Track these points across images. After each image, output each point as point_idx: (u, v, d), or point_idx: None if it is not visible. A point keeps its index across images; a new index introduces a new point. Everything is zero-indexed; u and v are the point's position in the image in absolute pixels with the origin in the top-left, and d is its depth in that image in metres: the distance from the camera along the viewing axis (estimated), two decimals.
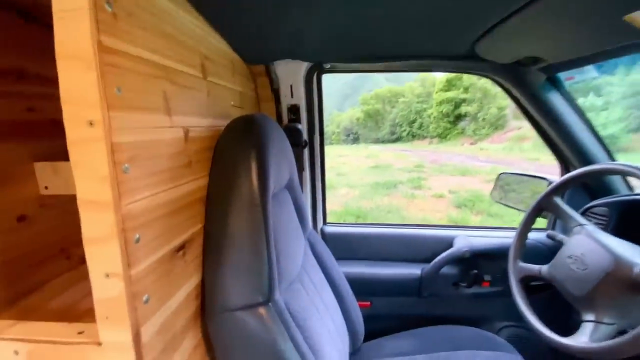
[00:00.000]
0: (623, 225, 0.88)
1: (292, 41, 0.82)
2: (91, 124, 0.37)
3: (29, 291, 0.62)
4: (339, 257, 1.24)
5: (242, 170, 0.60)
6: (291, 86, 1.00)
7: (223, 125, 0.67)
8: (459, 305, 1.19)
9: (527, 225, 0.91)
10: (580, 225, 0.79)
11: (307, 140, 1.07)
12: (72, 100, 0.36)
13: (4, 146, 0.56)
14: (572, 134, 0.96)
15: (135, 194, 0.42)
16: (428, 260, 1.16)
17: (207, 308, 0.59)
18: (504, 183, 1.39)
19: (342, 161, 15.43)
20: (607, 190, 1.00)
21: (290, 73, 0.97)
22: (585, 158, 0.97)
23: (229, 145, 0.63)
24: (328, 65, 0.97)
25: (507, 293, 0.99)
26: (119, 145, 0.39)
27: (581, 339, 0.64)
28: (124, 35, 0.40)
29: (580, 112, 0.96)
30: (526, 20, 0.62)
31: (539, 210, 0.90)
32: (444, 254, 1.13)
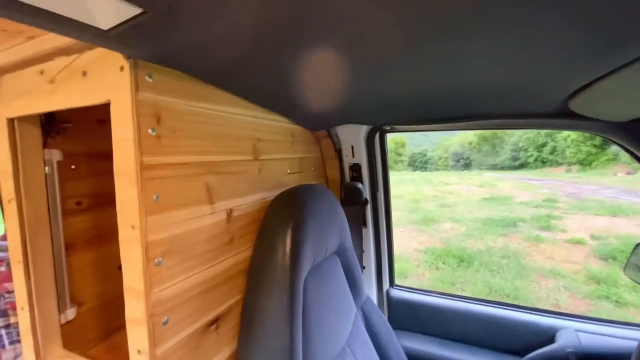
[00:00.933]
0: None
1: (350, 109, 0.83)
2: (133, 227, 0.45)
3: (120, 328, 0.79)
4: (403, 328, 1.12)
5: (278, 244, 0.62)
6: (352, 147, 1.00)
7: (274, 195, 0.71)
8: None
9: None
10: None
11: (366, 199, 1.03)
12: (122, 208, 0.46)
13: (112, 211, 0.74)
14: None
15: (167, 282, 0.49)
16: (517, 353, 0.93)
17: None
18: None
19: (447, 190, 14.13)
20: None
21: (351, 135, 0.98)
22: None
23: (270, 220, 0.67)
24: (389, 127, 0.94)
25: None
26: (153, 242, 0.46)
27: None
28: (167, 149, 0.48)
29: None
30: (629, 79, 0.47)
31: None
32: (538, 352, 0.88)
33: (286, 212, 0.66)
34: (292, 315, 0.60)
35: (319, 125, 0.95)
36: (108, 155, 0.47)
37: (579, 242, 6.21)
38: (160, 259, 0.47)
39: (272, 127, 0.78)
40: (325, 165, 1.09)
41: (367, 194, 1.05)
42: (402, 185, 16.69)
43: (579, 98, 0.60)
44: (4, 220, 0.62)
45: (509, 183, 17.01)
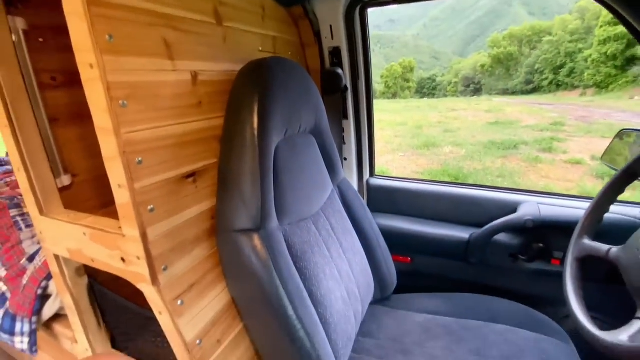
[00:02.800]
0: None
1: None
2: (91, 66, 0.47)
3: (112, 202, 0.87)
4: (383, 211, 1.22)
5: (246, 114, 0.65)
6: (331, 27, 0.95)
7: None
8: (515, 280, 1.04)
9: (606, 194, 0.70)
10: None
11: (346, 86, 1.03)
12: (78, 48, 0.47)
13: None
14: None
15: (136, 125, 0.53)
16: (482, 225, 1.03)
17: (217, 228, 0.70)
18: (625, 143, 1.04)
19: (453, 115, 13.77)
20: None
21: (329, 12, 0.93)
22: None
23: (238, 89, 0.68)
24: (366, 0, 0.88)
25: (583, 276, 0.82)
26: (115, 84, 0.49)
27: (620, 337, 0.50)
28: None
29: None
30: None
31: (631, 175, 0.67)
32: (500, 220, 0.98)
33: (253, 81, 0.67)
34: (262, 177, 0.65)
35: None
36: None
37: (578, 162, 6.27)
38: (124, 102, 0.50)
39: None
40: (305, 53, 1.06)
41: (347, 81, 1.04)
42: (408, 112, 16.22)
43: None
44: None
45: (518, 108, 16.44)
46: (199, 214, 0.68)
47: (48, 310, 0.88)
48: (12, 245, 0.98)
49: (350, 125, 1.12)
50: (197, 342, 0.63)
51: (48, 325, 0.92)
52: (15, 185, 1.29)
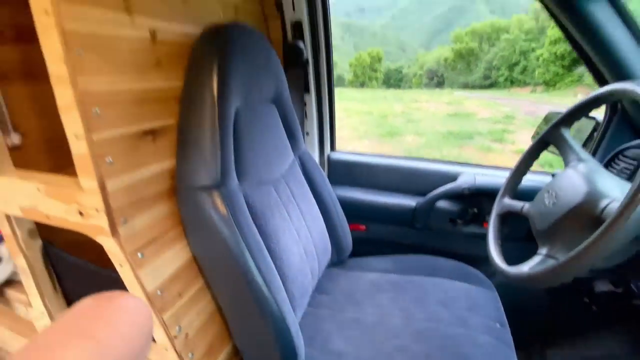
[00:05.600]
0: None
1: None
2: (46, 12, 0.47)
3: (70, 165, 0.85)
4: (341, 183, 1.30)
5: (205, 77, 0.67)
6: (293, 0, 0.98)
7: None
8: (455, 242, 1.17)
9: (525, 161, 0.82)
10: (579, 160, 0.69)
11: (307, 59, 1.07)
12: None
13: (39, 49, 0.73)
14: (621, 53, 0.77)
15: (92, 75, 0.53)
16: (426, 194, 1.14)
17: (178, 186, 0.73)
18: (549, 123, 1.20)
19: (416, 107, 14.33)
20: None
21: None
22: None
23: (198, 52, 0.70)
24: None
25: (510, 237, 0.95)
26: (71, 32, 0.49)
27: (522, 268, 0.62)
28: None
29: (633, 27, 0.74)
30: None
31: (542, 144, 0.79)
32: (440, 188, 1.09)
33: (214, 42, 0.69)
34: (222, 137, 0.68)
35: None
36: None
37: (522, 151, 6.89)
38: (80, 50, 0.51)
39: None
40: (268, 26, 1.08)
41: (308, 55, 1.08)
42: (374, 102, 16.56)
43: None
44: None
45: (475, 102, 17.44)
46: (159, 172, 0.70)
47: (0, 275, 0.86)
48: None
49: (311, 99, 1.17)
50: (158, 292, 0.66)
51: (0, 291, 0.89)
52: None
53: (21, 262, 0.77)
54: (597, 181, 0.59)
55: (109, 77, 0.56)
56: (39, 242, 0.78)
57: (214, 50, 0.68)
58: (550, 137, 0.77)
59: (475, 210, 1.09)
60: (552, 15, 0.80)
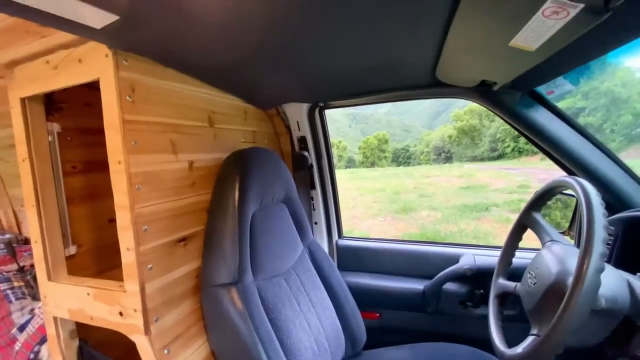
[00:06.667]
0: (630, 245, 0.80)
1: (290, 90, 1.07)
2: (119, 162, 0.67)
3: (111, 268, 1.00)
4: (351, 269, 1.37)
5: (229, 190, 0.85)
6: (298, 122, 1.24)
7: None
8: (468, 325, 1.16)
9: (510, 242, 0.90)
10: (552, 240, 0.77)
11: (312, 164, 1.28)
12: (111, 151, 0.68)
13: (99, 176, 0.95)
14: (567, 147, 0.92)
15: (145, 202, 0.71)
16: (432, 276, 1.19)
17: (201, 284, 0.84)
18: None
19: (428, 182, 14.66)
20: (626, 205, 0.89)
21: (296, 112, 1.22)
22: (586, 168, 0.91)
23: (223, 171, 0.90)
24: (322, 104, 1.19)
25: (518, 317, 0.96)
26: (134, 174, 0.69)
27: (517, 350, 0.65)
28: (140, 111, 0.71)
29: (572, 123, 0.91)
30: (457, 42, 0.66)
31: (521, 226, 0.88)
32: (444, 271, 1.15)
33: (236, 164, 0.89)
34: (240, 238, 0.83)
35: (265, 104, 1.18)
36: (94, 131, 0.67)
37: None
38: (139, 186, 0.69)
39: (225, 104, 1.01)
40: (279, 140, 1.33)
41: (312, 161, 1.29)
42: (386, 179, 17.13)
43: (439, 68, 0.84)
44: (21, 173, 0.82)
45: (487, 173, 17.73)
46: (186, 272, 0.82)
47: None
48: (2, 317, 1.04)
49: (317, 194, 1.34)
50: None
51: None
52: (3, 261, 1.37)
53: None
54: (567, 261, 0.67)
55: (157, 201, 0.74)
56: (76, 342, 0.87)
57: (235, 170, 0.87)
58: (525, 220, 0.87)
59: (482, 291, 1.12)
60: (505, 121, 0.99)
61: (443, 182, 14.61)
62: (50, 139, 0.87)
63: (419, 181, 15.06)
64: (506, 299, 0.86)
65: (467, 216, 7.62)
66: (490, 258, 1.14)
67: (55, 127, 0.89)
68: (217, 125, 0.97)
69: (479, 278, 1.12)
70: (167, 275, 0.76)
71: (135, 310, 0.70)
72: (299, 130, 1.26)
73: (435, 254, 1.24)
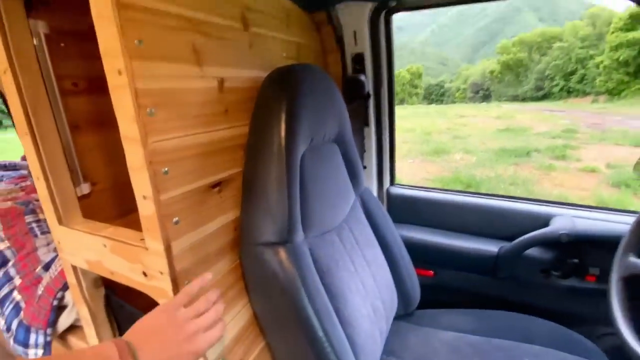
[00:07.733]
0: None
1: None
2: (119, 72, 0.45)
3: (135, 210, 0.85)
4: (404, 221, 1.18)
5: (273, 122, 0.62)
6: (354, 32, 0.92)
7: None
8: (548, 297, 0.98)
9: None
10: None
11: (369, 92, 1.00)
12: (105, 53, 0.45)
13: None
14: None
15: (162, 134, 0.50)
16: (511, 238, 0.98)
17: (241, 240, 0.67)
18: None
19: (462, 122, 13.63)
20: None
21: (353, 18, 0.90)
22: None
23: (265, 96, 0.66)
24: (394, 3, 0.85)
25: (631, 296, 0.76)
26: (143, 91, 0.46)
27: None
28: None
29: None
30: None
31: None
32: (531, 234, 0.93)
33: (281, 88, 0.64)
34: (290, 187, 0.63)
35: (314, 1, 0.86)
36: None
37: (592, 170, 6.12)
38: (152, 109, 0.48)
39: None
40: (326, 60, 1.03)
41: (369, 88, 1.01)
42: (416, 118, 16.15)
43: None
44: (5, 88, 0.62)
45: (528, 115, 16.24)
46: (222, 225, 0.65)
47: (63, 322, 0.86)
48: (28, 253, 0.96)
49: (371, 132, 1.09)
50: None
51: (62, 336, 0.90)
52: (30, 190, 1.28)
53: (84, 312, 0.76)
54: None
55: (179, 133, 0.53)
56: (102, 292, 0.77)
57: (282, 93, 0.63)
58: None
59: (576, 260, 0.91)
60: None
61: (479, 123, 13.56)
62: (35, 42, 0.65)
63: (452, 121, 14.04)
64: (633, 281, 0.65)
65: (505, 161, 7.09)
66: (596, 222, 0.90)
67: (41, 25, 0.66)
68: (253, 28, 0.69)
69: (575, 245, 0.89)
70: (200, 229, 0.59)
71: (161, 273, 0.54)
72: (355, 44, 0.95)
73: (517, 211, 1.01)
